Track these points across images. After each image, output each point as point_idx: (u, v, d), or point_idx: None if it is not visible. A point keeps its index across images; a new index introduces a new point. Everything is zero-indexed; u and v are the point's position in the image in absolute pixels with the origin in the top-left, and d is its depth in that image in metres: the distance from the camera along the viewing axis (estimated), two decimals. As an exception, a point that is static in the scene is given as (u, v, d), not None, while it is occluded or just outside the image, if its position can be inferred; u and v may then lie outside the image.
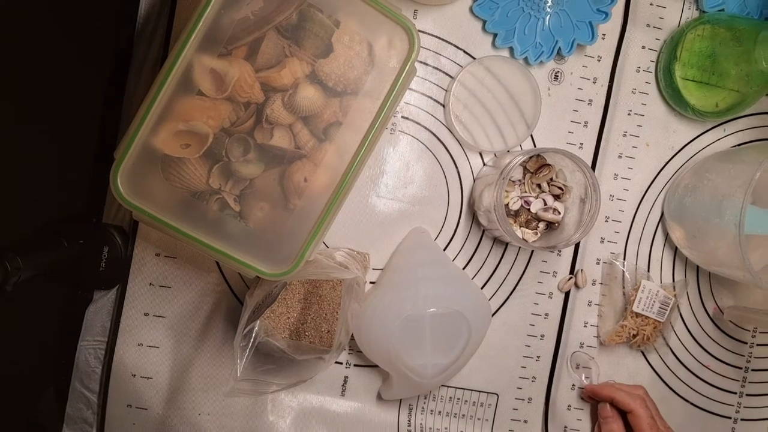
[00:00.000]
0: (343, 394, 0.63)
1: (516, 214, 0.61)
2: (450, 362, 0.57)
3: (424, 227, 0.62)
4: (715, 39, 0.61)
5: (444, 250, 0.63)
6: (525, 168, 0.62)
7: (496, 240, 0.64)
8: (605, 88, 0.64)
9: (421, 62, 0.61)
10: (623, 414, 0.62)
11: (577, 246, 0.65)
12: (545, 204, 0.61)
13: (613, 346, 0.66)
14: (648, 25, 0.64)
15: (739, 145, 0.67)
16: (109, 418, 0.60)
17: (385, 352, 0.57)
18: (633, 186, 0.65)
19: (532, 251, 0.64)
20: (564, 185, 0.61)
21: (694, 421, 0.68)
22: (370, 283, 0.62)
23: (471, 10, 0.61)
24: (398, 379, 0.59)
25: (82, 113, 0.60)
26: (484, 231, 0.64)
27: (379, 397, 0.63)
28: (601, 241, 0.65)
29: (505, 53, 0.62)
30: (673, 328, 0.67)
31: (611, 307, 0.65)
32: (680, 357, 0.68)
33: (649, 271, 0.66)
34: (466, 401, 0.65)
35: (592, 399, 0.65)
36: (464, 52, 0.62)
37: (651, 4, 0.64)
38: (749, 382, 0.69)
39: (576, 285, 0.65)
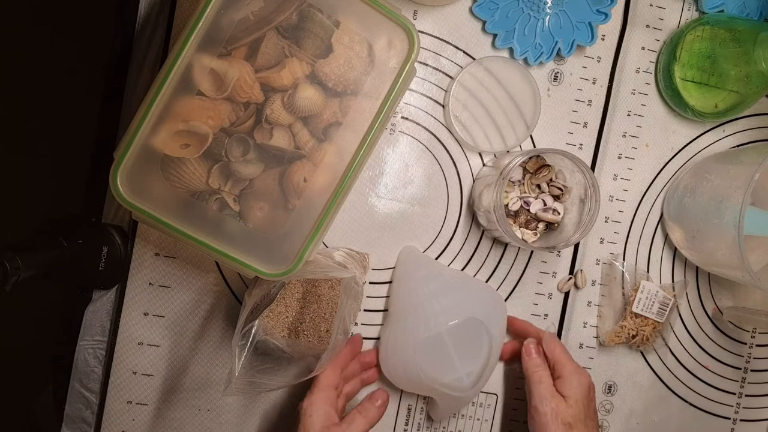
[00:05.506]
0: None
1: (515, 215, 0.61)
2: (482, 366, 0.57)
3: (410, 245, 0.62)
4: (715, 40, 0.61)
5: (443, 250, 0.63)
6: (524, 168, 0.62)
7: (495, 240, 0.64)
8: (605, 89, 0.64)
9: (420, 63, 0.61)
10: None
11: (576, 246, 0.65)
12: (545, 204, 0.61)
13: (612, 347, 0.66)
14: (647, 26, 0.64)
15: (738, 146, 0.67)
16: (108, 414, 0.60)
17: (417, 380, 0.56)
18: (632, 187, 0.65)
19: (532, 252, 0.64)
20: (563, 186, 0.61)
21: (693, 422, 0.68)
22: (370, 283, 0.62)
23: (471, 10, 0.61)
24: (441, 400, 0.59)
25: (82, 113, 0.60)
26: (483, 231, 0.64)
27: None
28: (601, 242, 0.65)
29: (505, 54, 0.62)
30: (672, 328, 0.67)
31: (611, 307, 0.65)
32: (679, 357, 0.68)
33: (648, 271, 0.66)
34: (465, 401, 0.65)
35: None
36: (464, 52, 0.62)
37: (650, 5, 0.64)
38: (748, 383, 0.69)
39: (575, 285, 0.65)
